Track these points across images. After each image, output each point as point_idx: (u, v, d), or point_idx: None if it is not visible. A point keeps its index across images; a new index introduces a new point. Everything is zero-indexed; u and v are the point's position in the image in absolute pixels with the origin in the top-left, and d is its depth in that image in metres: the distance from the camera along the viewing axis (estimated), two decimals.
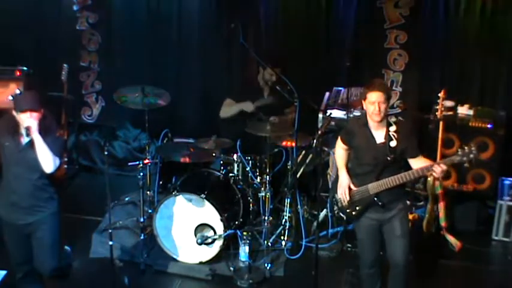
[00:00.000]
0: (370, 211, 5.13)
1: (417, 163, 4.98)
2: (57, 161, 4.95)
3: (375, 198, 5.04)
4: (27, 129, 4.84)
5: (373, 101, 4.90)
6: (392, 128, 5.00)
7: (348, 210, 5.21)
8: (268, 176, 6.27)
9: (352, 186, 5.15)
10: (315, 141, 5.56)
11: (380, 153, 5.00)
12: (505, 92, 7.11)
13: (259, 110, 6.60)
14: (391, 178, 4.96)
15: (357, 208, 5.15)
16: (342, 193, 5.16)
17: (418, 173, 4.95)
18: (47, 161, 4.90)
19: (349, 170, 5.19)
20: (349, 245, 6.34)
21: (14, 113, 4.90)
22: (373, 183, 5.03)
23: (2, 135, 5.01)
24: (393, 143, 4.98)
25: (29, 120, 4.82)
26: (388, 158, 4.97)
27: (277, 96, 6.58)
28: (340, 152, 5.27)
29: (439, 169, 4.87)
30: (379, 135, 5.02)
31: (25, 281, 5.30)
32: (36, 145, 4.86)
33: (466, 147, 4.79)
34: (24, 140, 4.94)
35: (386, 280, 5.35)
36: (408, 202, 6.39)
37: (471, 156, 4.78)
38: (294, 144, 6.19)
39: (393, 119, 5.05)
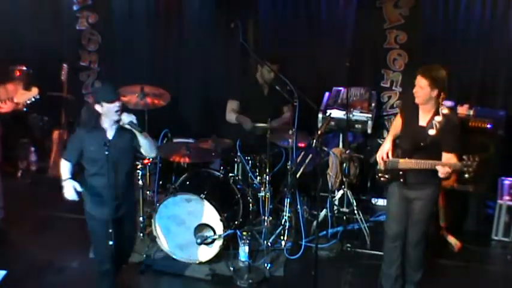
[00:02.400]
0: (400, 184, 5.25)
1: (445, 159, 5.04)
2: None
3: (400, 173, 5.15)
4: (130, 124, 4.91)
5: (416, 84, 5.04)
6: (438, 118, 5.04)
7: (379, 174, 5.34)
8: (268, 176, 6.27)
9: (389, 154, 5.24)
10: (314, 141, 5.57)
11: (418, 135, 5.11)
12: (505, 92, 7.11)
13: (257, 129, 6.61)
14: (415, 161, 5.07)
15: (386, 176, 5.28)
16: (379, 155, 5.29)
17: (430, 165, 5.03)
18: (151, 144, 5.02)
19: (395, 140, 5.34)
20: (348, 245, 6.34)
21: (98, 107, 4.88)
22: (404, 159, 5.14)
23: (82, 140, 4.99)
24: (432, 131, 5.05)
25: (127, 115, 4.91)
26: (421, 144, 5.06)
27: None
28: (396, 121, 5.41)
29: (441, 169, 4.96)
30: (424, 119, 5.12)
31: (110, 272, 5.29)
32: (138, 134, 4.96)
33: (470, 159, 4.84)
34: (111, 133, 4.98)
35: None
36: None
37: (470, 169, 4.84)
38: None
39: (444, 111, 5.07)
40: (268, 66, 6.57)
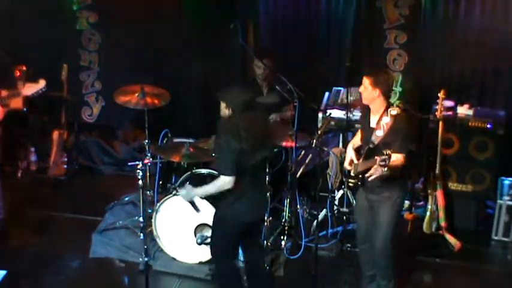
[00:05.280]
0: (363, 189, 5.30)
1: (394, 159, 4.99)
2: None
3: (360, 176, 5.17)
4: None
5: (362, 84, 5.11)
6: (386, 120, 5.06)
7: (348, 180, 5.37)
8: (268, 176, 6.27)
9: (354, 159, 5.27)
10: (314, 141, 5.57)
11: (369, 137, 5.13)
12: (505, 92, 7.11)
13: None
14: (362, 163, 5.11)
15: (352, 181, 5.31)
16: (346, 162, 5.36)
17: (367, 166, 5.04)
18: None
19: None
20: (348, 245, 6.33)
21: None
22: (360, 162, 5.18)
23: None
24: (379, 133, 5.07)
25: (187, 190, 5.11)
26: (370, 146, 5.07)
27: (276, 95, 6.58)
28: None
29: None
30: (374, 120, 5.15)
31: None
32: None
33: (384, 154, 4.80)
34: None
35: None
36: (407, 202, 6.43)
37: (385, 163, 4.80)
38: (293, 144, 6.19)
39: (393, 112, 5.08)
40: (261, 61, 6.57)
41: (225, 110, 5.04)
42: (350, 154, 5.33)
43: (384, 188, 5.16)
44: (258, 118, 5.09)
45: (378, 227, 5.29)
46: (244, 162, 4.94)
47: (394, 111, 5.09)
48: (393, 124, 5.04)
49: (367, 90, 5.09)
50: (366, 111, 5.26)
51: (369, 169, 4.99)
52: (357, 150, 5.31)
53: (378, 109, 5.12)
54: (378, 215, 5.28)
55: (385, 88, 5.08)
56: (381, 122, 5.08)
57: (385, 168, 4.80)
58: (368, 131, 5.17)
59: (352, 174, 5.28)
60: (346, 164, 5.36)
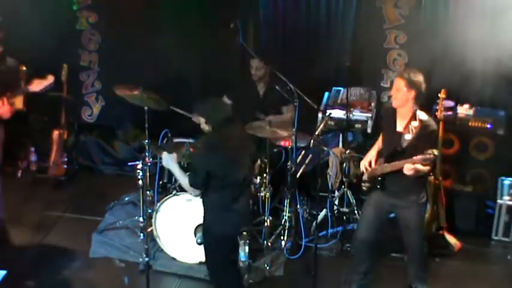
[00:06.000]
0: (380, 194, 5.28)
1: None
2: None
3: (378, 179, 5.18)
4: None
5: (393, 86, 5.05)
6: (415, 123, 5.04)
7: (362, 183, 5.37)
8: (268, 176, 6.27)
9: (372, 163, 5.27)
10: (312, 141, 5.58)
11: (395, 140, 5.12)
12: (505, 92, 7.11)
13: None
14: (388, 164, 5.10)
15: (367, 184, 5.32)
16: (363, 164, 5.34)
17: (400, 166, 5.03)
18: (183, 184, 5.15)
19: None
20: (348, 245, 6.33)
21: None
22: (381, 165, 5.18)
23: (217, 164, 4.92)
24: (408, 136, 5.06)
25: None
26: (398, 149, 5.07)
27: (274, 96, 6.58)
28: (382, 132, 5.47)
29: (405, 167, 4.96)
30: (401, 124, 5.13)
31: None
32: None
33: (429, 152, 4.86)
34: None
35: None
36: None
37: (427, 162, 4.88)
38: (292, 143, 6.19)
39: (423, 116, 5.07)
40: (256, 61, 6.59)
41: (204, 125, 4.98)
42: (370, 157, 5.33)
43: (409, 191, 5.18)
44: (236, 134, 5.03)
45: (413, 233, 5.32)
46: (224, 177, 4.90)
47: (424, 116, 5.06)
48: (422, 128, 5.02)
49: (401, 92, 5.02)
50: (390, 114, 5.20)
51: (396, 171, 5.01)
52: (377, 154, 5.32)
53: (407, 113, 5.08)
54: (407, 221, 5.28)
55: (419, 90, 5.04)
56: (409, 126, 5.05)
57: (425, 167, 4.83)
58: (394, 135, 5.14)
59: (366, 178, 5.29)
60: (362, 166, 5.35)
